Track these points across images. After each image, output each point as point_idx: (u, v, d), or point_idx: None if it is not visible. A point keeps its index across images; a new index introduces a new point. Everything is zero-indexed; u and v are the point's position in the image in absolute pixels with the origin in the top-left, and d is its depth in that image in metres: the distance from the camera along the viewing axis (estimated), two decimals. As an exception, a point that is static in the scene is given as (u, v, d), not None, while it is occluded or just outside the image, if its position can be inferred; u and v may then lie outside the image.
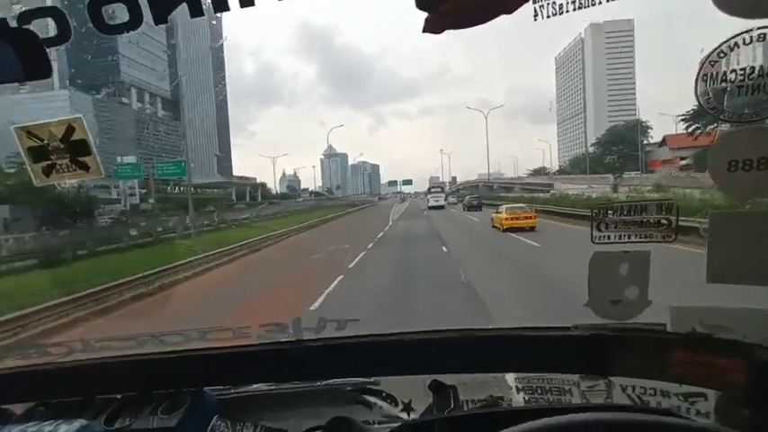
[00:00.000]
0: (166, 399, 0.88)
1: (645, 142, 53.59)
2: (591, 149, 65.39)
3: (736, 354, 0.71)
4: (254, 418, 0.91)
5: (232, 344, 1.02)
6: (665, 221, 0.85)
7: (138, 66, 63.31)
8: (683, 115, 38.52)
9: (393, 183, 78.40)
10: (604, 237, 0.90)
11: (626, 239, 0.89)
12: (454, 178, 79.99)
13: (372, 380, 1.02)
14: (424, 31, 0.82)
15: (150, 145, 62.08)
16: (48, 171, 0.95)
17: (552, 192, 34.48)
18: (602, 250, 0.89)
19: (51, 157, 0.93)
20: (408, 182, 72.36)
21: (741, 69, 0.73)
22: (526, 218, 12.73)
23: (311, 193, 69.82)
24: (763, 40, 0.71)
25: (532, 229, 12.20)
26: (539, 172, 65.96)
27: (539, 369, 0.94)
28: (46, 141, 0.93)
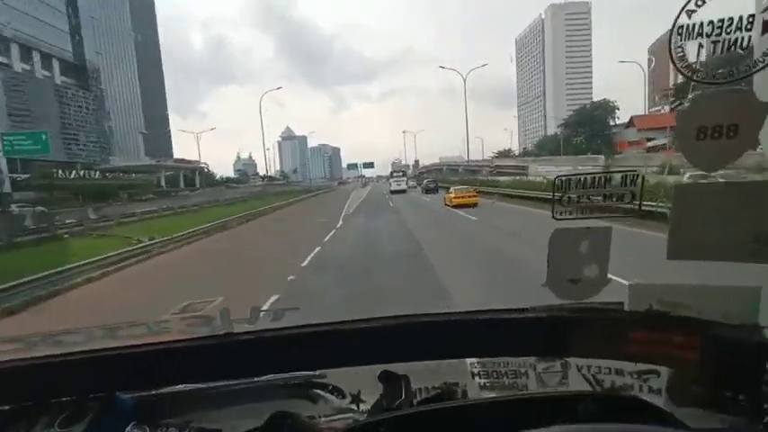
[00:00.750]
0: (68, 407, 0.77)
1: (612, 123, 55.10)
2: (558, 131, 66.07)
3: (692, 331, 0.71)
4: (180, 421, 0.83)
5: (147, 341, 0.90)
6: (628, 194, 0.80)
7: (22, 16, 50.68)
8: (667, 89, 39.86)
9: (353, 166, 76.61)
10: (566, 212, 0.84)
11: (588, 214, 0.84)
12: (417, 162, 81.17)
13: (317, 373, 0.97)
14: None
15: (42, 117, 49.00)
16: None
17: (528, 177, 28.57)
18: (564, 227, 0.84)
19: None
20: (369, 165, 70.29)
21: (719, 20, 0.66)
22: (470, 196, 16.72)
23: (263, 177, 64.42)
24: (743, -13, 0.65)
25: (475, 206, 16.01)
26: (504, 154, 68.52)
27: (495, 353, 0.93)
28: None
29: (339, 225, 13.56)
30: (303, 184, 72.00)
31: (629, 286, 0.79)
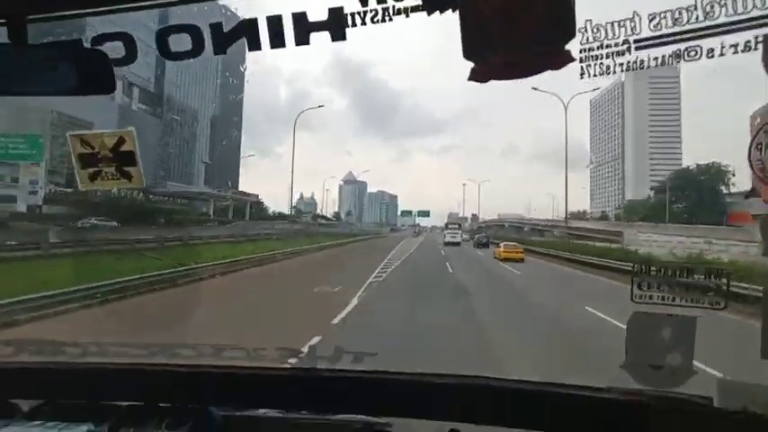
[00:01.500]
0: (172, 413, 0.90)
1: (725, 191, 45.46)
2: (650, 194, 58.68)
3: None
4: None
5: (244, 364, 1.05)
6: (713, 287, 0.84)
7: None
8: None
9: (407, 213, 72.90)
10: (645, 296, 0.89)
11: (670, 302, 0.88)
12: (475, 215, 78.57)
13: (384, 421, 1.00)
14: (469, 80, 0.89)
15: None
16: (93, 177, 1.05)
17: (626, 245, 24.82)
18: (643, 311, 0.88)
19: (99, 164, 1.04)
20: (425, 213, 65.44)
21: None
22: (517, 252, 19.65)
23: (315, 216, 63.64)
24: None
25: (522, 260, 18.68)
26: (578, 216, 63.43)
27: (566, 430, 0.88)
28: (96, 149, 1.04)
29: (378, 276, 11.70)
30: (354, 227, 69.77)
31: (719, 381, 0.78)
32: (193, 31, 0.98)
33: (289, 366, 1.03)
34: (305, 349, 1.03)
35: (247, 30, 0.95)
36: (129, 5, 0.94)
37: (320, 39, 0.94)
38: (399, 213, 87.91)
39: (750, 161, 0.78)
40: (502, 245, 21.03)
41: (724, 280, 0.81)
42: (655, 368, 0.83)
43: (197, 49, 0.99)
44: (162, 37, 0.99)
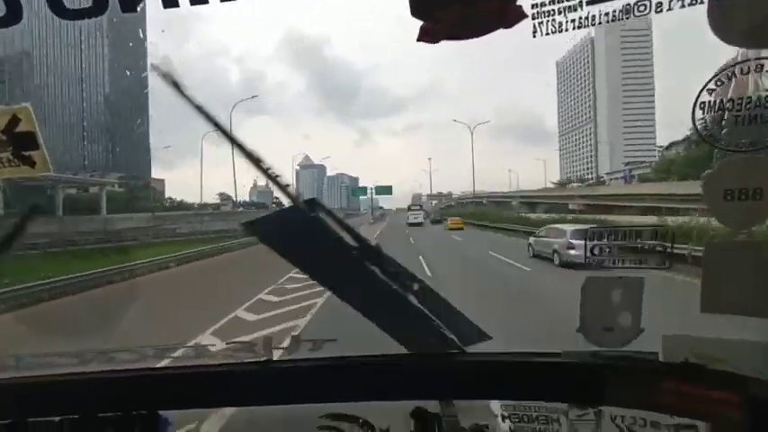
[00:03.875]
0: (115, 422, 0.89)
1: None
2: (678, 150, 48.92)
3: (729, 386, 0.77)
4: None
5: (193, 363, 1.04)
6: (659, 248, 0.92)
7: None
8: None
9: (360, 191, 58.82)
10: (597, 261, 0.97)
11: (620, 265, 0.96)
12: (440, 193, 78.08)
13: (348, 405, 1.04)
14: (418, 40, 0.88)
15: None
16: (-16, 166, 0.95)
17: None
18: (595, 275, 0.96)
19: (-10, 149, 0.94)
20: (386, 190, 50.43)
21: (738, 99, 0.81)
22: (457, 224, 29.08)
23: (237, 204, 53.86)
24: (760, 71, 0.80)
25: (461, 229, 27.38)
26: (564, 183, 64.68)
27: (526, 397, 0.99)
28: (-16, 132, 0.93)
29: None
30: None
31: (664, 337, 0.88)
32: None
33: (242, 361, 1.02)
34: (258, 342, 1.03)
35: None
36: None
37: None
38: (351, 193, 70.97)
39: (694, 122, 0.84)
40: (449, 220, 32.00)
41: (668, 242, 0.90)
42: (607, 330, 0.91)
43: (99, 4, 0.89)
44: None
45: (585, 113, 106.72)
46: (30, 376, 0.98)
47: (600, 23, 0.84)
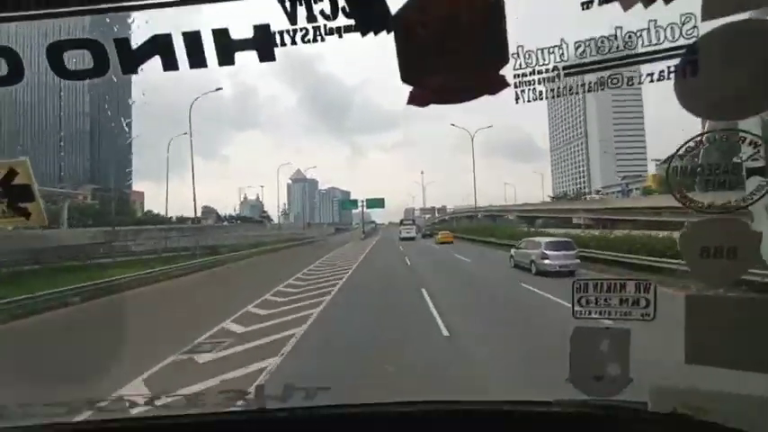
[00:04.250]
0: None
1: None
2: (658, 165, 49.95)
3: None
4: None
5: (183, 412, 1.04)
6: (643, 300, 0.97)
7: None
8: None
9: (350, 204, 55.04)
10: (585, 312, 1.01)
11: (606, 315, 1.00)
12: (434, 208, 78.04)
13: None
14: (408, 104, 0.94)
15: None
16: (-20, 217, 0.96)
17: None
18: (584, 325, 0.99)
19: (-13, 201, 0.96)
20: (377, 203, 47.05)
21: (708, 165, 0.88)
22: (447, 237, 30.41)
23: (221, 218, 54.16)
24: (726, 141, 0.87)
25: (451, 242, 29.09)
26: (561, 198, 63.93)
27: None
28: (-18, 185, 0.95)
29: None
30: (281, 230, 51.85)
31: (651, 387, 0.91)
32: (94, 46, 0.92)
33: (236, 410, 1.03)
34: (251, 390, 1.04)
35: (161, 47, 0.91)
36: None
37: (246, 57, 0.93)
38: (340, 206, 68.82)
39: (669, 184, 0.90)
40: (439, 233, 33.80)
41: (652, 294, 0.94)
42: (596, 379, 0.95)
43: (100, 67, 0.93)
44: (55, 52, 0.92)
45: (576, 128, 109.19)
46: (18, 426, 0.97)
47: (576, 93, 0.90)
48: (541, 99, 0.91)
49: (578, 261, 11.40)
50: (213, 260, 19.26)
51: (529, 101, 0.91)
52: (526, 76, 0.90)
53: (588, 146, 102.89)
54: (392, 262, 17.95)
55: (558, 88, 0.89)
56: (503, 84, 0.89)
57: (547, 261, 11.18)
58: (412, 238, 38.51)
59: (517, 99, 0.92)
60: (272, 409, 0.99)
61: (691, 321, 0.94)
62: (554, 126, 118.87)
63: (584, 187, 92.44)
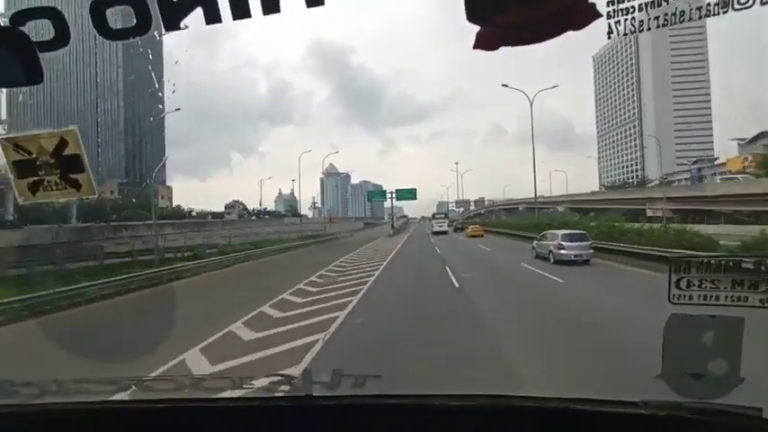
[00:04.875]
0: None
1: None
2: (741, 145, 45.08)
3: None
4: None
5: (231, 395, 1.03)
6: (765, 284, 0.80)
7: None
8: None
9: (378, 194, 49.88)
10: (685, 296, 0.86)
11: (713, 301, 0.85)
12: (468, 201, 74.67)
13: None
14: (474, 47, 0.82)
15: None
16: (34, 188, 0.99)
17: None
18: (682, 312, 0.85)
19: (39, 172, 0.98)
20: (409, 193, 43.49)
21: None
22: (477, 231, 33.83)
23: (254, 213, 51.92)
24: None
25: (482, 236, 32.02)
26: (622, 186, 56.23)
27: None
28: (34, 155, 0.97)
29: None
30: (305, 225, 47.36)
31: None
32: (137, 3, 0.89)
33: (282, 395, 1.00)
34: (298, 374, 1.00)
35: (203, -2, 0.87)
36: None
37: (293, 5, 0.86)
38: (368, 198, 63.99)
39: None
40: (470, 227, 37.45)
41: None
42: (695, 377, 0.80)
43: (142, 24, 0.91)
44: (98, 11, 0.91)
45: (628, 111, 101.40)
46: (68, 402, 0.99)
47: (690, 19, 0.75)
48: (641, 31, 0.76)
49: (592, 251, 12.92)
50: (154, 275, 12.97)
51: (626, 33, 0.77)
52: (623, 1, 0.75)
53: (643, 130, 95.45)
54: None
55: (666, 15, 0.74)
56: (592, 14, 0.76)
57: (563, 251, 12.78)
58: (444, 232, 39.52)
59: (610, 33, 0.78)
60: (319, 396, 0.95)
61: None
62: (602, 108, 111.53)
63: (631, 177, 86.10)
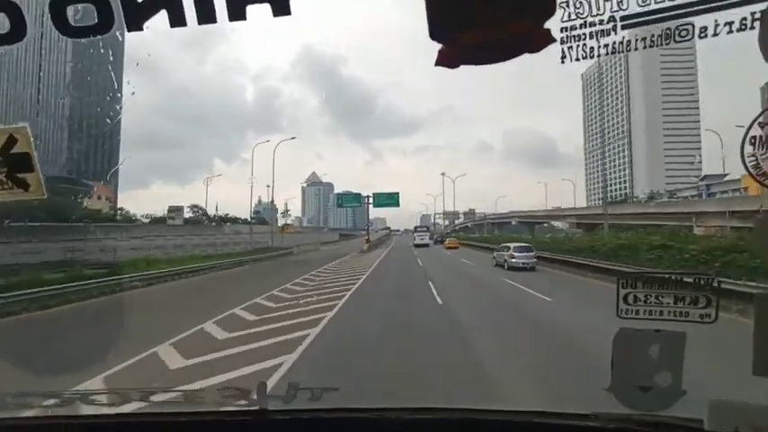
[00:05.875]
0: None
1: None
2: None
3: None
4: None
5: (183, 409, 1.03)
6: (702, 299, 0.87)
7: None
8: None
9: (350, 198, 44.30)
10: (632, 311, 0.92)
11: (657, 316, 0.91)
12: (456, 213, 74.59)
13: None
14: (436, 64, 0.88)
15: None
16: (-22, 186, 0.97)
17: None
18: (629, 327, 0.91)
19: (-15, 170, 0.97)
20: (390, 198, 39.06)
21: (793, 135, 0.77)
22: (453, 244, 40.06)
23: (214, 219, 41.96)
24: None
25: (456, 248, 37.63)
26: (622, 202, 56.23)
27: None
28: (-20, 151, 0.97)
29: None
30: (240, 237, 37.03)
31: (710, 402, 0.82)
32: (100, 2, 0.91)
33: (235, 409, 1.01)
34: (253, 388, 1.01)
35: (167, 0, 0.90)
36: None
37: (260, 11, 0.90)
38: (336, 201, 50.50)
39: (743, 158, 0.81)
40: (447, 240, 42.75)
41: (713, 289, 0.85)
42: (643, 390, 0.86)
43: (104, 22, 0.93)
44: (58, 7, 0.92)
45: (618, 129, 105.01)
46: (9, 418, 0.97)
47: (636, 49, 0.82)
48: (592, 57, 0.83)
49: (536, 260, 17.83)
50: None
51: (577, 59, 0.83)
52: (576, 29, 0.82)
53: (632, 148, 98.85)
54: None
55: (614, 43, 0.81)
56: (547, 39, 0.82)
57: (514, 260, 17.69)
58: (426, 245, 41.68)
59: (563, 58, 0.85)
60: (274, 410, 0.96)
61: (762, 325, 0.84)
62: (590, 127, 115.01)
63: (615, 195, 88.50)
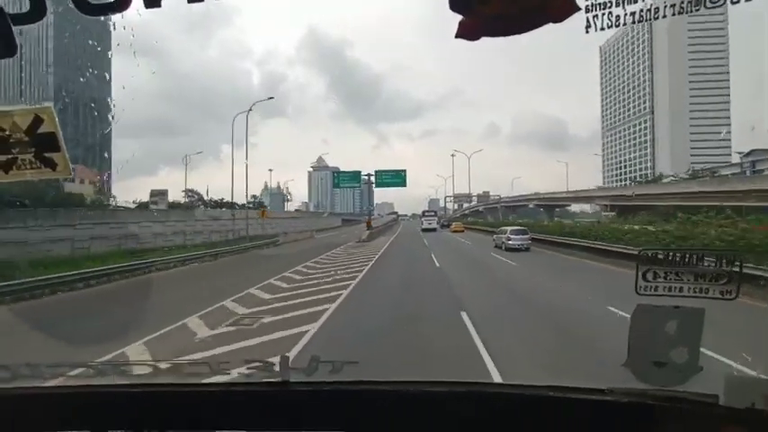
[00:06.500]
0: None
1: None
2: None
3: None
4: None
5: (207, 381, 1.09)
6: (724, 275, 0.88)
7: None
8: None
9: (350, 177, 37.90)
10: (651, 287, 0.94)
11: (677, 292, 0.92)
12: (469, 195, 73.10)
13: None
14: (456, 36, 0.88)
15: None
16: (7, 167, 1.02)
17: None
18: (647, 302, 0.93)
19: (13, 150, 1.01)
20: (396, 177, 34.80)
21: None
22: (458, 227, 44.47)
23: (208, 204, 39.40)
24: None
25: (462, 232, 41.80)
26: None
27: None
28: (8, 132, 1.01)
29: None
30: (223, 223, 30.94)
31: (727, 377, 0.84)
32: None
33: (258, 381, 1.06)
34: (276, 360, 1.07)
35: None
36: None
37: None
38: (334, 181, 43.03)
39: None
40: (452, 224, 46.68)
41: (737, 267, 0.86)
42: (659, 365, 0.88)
43: (122, 1, 0.94)
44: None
45: (639, 105, 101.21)
46: (38, 387, 1.04)
47: (664, 16, 0.81)
48: (617, 26, 0.83)
49: (530, 242, 21.12)
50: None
51: (602, 28, 0.83)
52: (600, -4, 0.82)
53: (655, 125, 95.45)
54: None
55: (641, 11, 0.80)
56: (571, 7, 0.82)
57: (510, 242, 20.93)
58: (433, 229, 45.05)
59: (588, 28, 0.84)
60: (296, 381, 1.01)
61: None
62: (607, 103, 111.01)
63: (634, 176, 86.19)
